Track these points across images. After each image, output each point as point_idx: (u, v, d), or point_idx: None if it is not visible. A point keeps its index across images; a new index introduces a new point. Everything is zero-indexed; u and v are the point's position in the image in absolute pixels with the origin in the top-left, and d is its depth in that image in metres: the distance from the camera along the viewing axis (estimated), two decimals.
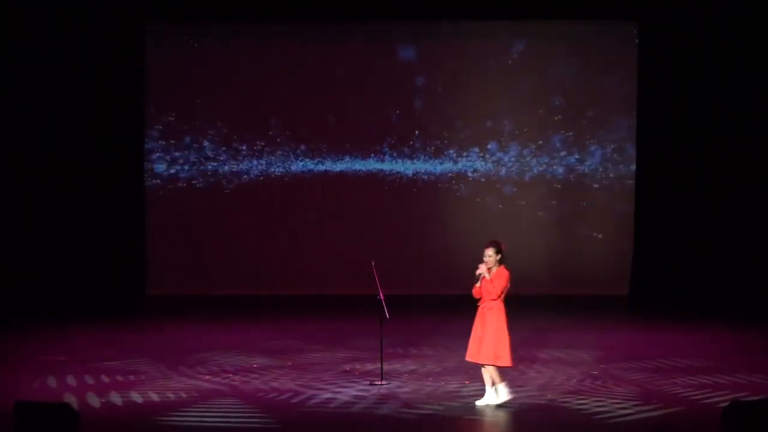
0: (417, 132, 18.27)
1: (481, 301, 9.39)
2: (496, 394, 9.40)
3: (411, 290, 16.87)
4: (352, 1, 17.64)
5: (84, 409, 8.96)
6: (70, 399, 9.46)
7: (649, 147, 17.89)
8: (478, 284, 9.34)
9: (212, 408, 9.27)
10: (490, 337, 9.28)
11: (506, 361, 9.34)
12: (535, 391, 10.11)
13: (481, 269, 9.30)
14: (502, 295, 9.38)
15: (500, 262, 9.39)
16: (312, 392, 9.98)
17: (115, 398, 9.62)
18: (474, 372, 10.92)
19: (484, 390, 9.49)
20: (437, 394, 9.88)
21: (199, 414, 9.07)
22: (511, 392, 9.44)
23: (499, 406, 9.33)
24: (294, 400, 9.65)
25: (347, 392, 9.96)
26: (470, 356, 9.46)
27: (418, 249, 18.01)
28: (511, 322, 9.47)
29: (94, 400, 9.50)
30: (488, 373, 9.43)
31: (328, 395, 9.83)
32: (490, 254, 9.35)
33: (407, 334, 13.12)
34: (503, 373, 9.49)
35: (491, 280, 9.29)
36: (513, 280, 9.41)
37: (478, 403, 9.44)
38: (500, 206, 18.34)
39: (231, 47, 18.22)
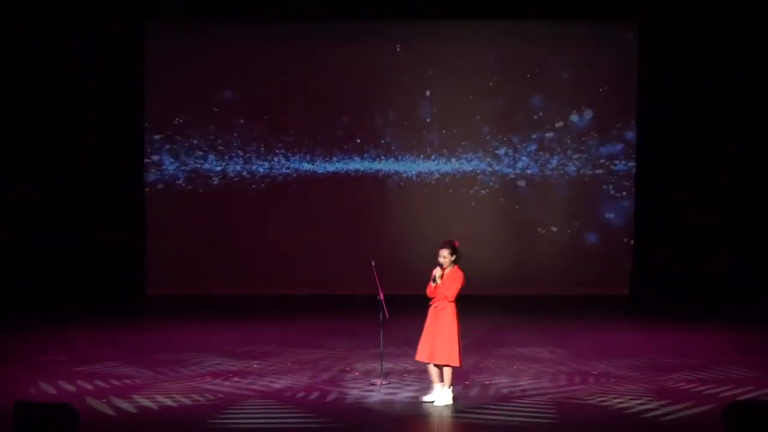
0: (418, 132, 18.28)
1: (433, 300, 9.38)
2: (443, 395, 9.42)
3: (411, 290, 16.85)
4: (354, 0, 17.65)
5: (86, 411, 8.96)
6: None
7: (649, 147, 17.90)
8: (433, 284, 9.33)
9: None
10: (444, 338, 9.30)
11: (456, 361, 9.35)
12: (550, 389, 10.12)
13: (436, 273, 9.30)
14: (456, 296, 9.37)
15: (455, 262, 9.37)
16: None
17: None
18: (473, 373, 10.95)
19: (481, 389, 9.49)
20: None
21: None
22: (454, 398, 9.48)
23: (444, 407, 9.34)
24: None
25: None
26: (422, 356, 9.43)
27: (419, 249, 17.98)
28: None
29: (97, 402, 9.50)
30: (445, 373, 9.41)
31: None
32: (444, 255, 9.35)
33: (408, 334, 13.12)
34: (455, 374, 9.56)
35: (444, 283, 9.29)
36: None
37: (426, 398, 9.46)
38: (499, 206, 18.34)
39: (231, 47, 18.22)
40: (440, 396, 9.43)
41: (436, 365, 9.43)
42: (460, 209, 18.34)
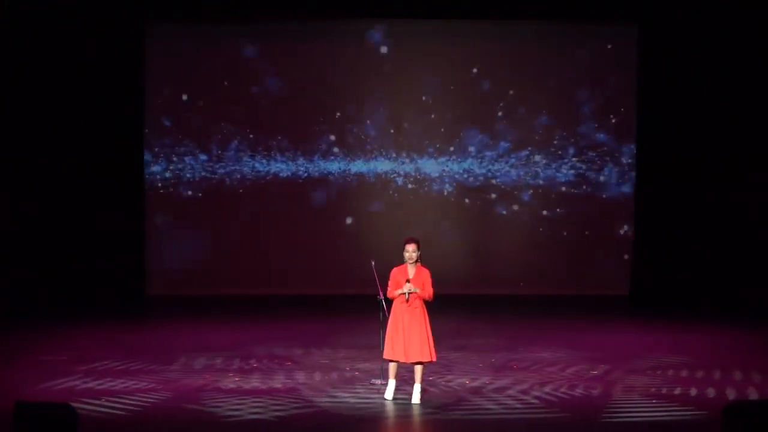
0: (418, 133, 18.27)
1: (406, 302, 9.37)
2: (416, 391, 9.50)
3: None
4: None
5: (86, 410, 8.96)
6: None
7: (650, 147, 17.88)
8: (407, 297, 9.33)
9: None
10: (422, 337, 9.38)
11: (434, 356, 9.53)
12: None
13: (409, 288, 9.32)
14: None
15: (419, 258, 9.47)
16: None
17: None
18: (474, 369, 10.95)
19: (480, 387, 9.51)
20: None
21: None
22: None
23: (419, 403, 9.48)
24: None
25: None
26: (396, 356, 9.44)
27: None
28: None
29: (102, 403, 9.51)
30: (420, 370, 9.47)
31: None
32: (413, 249, 9.40)
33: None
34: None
35: (420, 287, 9.37)
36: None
37: (389, 396, 9.54)
38: (499, 207, 18.33)
39: (231, 47, 18.21)
40: (415, 393, 9.49)
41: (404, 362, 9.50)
42: (459, 211, 18.33)
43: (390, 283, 9.49)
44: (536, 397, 9.76)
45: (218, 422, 8.87)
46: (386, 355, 9.54)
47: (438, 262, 17.81)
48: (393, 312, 9.49)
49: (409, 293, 9.34)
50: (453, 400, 9.69)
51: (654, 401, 9.65)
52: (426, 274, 9.44)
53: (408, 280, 9.36)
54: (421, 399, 9.51)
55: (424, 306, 9.47)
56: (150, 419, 8.96)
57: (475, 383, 10.41)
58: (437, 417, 9.14)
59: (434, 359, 9.56)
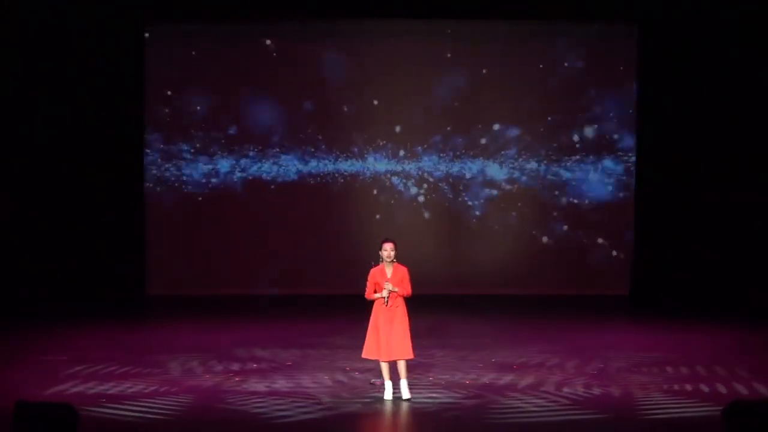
0: (420, 132, 18.27)
1: (385, 301, 9.42)
2: (404, 387, 9.52)
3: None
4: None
5: (87, 410, 8.95)
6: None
7: (650, 147, 17.88)
8: (385, 298, 9.39)
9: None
10: (402, 335, 9.43)
11: (412, 353, 9.57)
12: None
13: (389, 288, 9.37)
14: None
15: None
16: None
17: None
18: (475, 369, 10.95)
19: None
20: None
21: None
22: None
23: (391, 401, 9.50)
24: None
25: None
26: (378, 355, 9.51)
27: (423, 251, 17.98)
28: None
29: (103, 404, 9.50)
30: (404, 367, 9.50)
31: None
32: (391, 248, 9.47)
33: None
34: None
35: (400, 285, 9.42)
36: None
37: (387, 397, 9.56)
38: (501, 207, 18.33)
39: (231, 47, 18.20)
40: (404, 389, 9.52)
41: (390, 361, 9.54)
42: (459, 211, 18.33)
43: (368, 284, 9.54)
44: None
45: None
46: (365, 354, 9.62)
47: (437, 262, 17.97)
48: (374, 312, 9.55)
49: (388, 295, 9.39)
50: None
51: (655, 400, 9.65)
52: (403, 271, 9.50)
53: (387, 282, 9.42)
54: (411, 393, 9.55)
55: (404, 304, 9.52)
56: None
57: (480, 383, 10.39)
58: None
59: (413, 356, 9.62)
